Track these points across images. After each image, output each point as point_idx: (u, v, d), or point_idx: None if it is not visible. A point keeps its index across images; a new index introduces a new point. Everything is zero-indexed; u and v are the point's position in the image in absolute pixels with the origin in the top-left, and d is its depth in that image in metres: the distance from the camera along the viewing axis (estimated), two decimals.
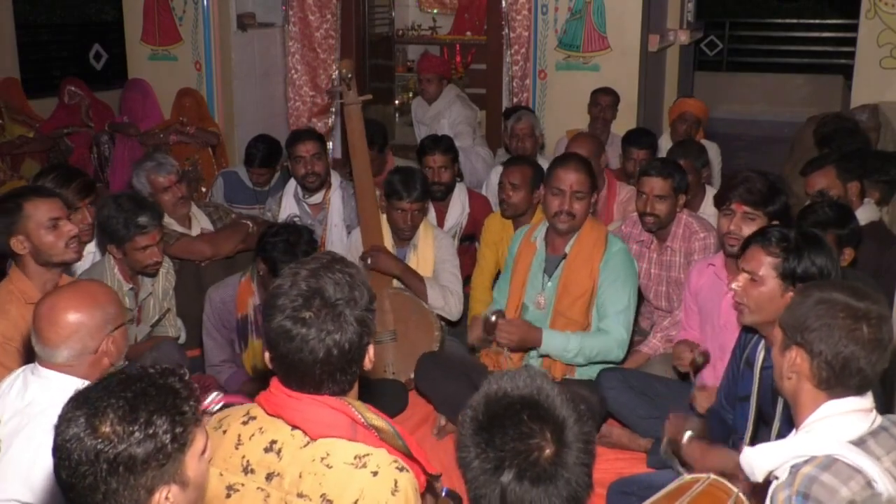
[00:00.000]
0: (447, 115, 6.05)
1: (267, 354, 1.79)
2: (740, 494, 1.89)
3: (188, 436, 1.43)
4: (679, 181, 3.78)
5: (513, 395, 1.43)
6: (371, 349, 1.81)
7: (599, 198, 4.64)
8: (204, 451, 1.49)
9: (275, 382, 1.81)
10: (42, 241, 2.87)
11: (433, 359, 3.68)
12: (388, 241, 4.10)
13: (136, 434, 1.37)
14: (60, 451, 1.38)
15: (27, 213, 2.87)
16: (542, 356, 3.44)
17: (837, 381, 1.75)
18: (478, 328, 3.44)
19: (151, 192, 4.16)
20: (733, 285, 2.55)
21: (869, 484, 1.64)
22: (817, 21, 13.23)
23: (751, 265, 2.49)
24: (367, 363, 1.81)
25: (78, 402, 1.41)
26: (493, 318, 3.32)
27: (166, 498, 1.42)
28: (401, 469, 1.72)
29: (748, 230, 3.03)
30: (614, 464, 3.31)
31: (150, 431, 1.38)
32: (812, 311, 1.78)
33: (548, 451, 1.38)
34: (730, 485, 1.91)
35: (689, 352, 3.16)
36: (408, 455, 1.80)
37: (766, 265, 2.46)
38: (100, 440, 1.36)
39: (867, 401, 1.78)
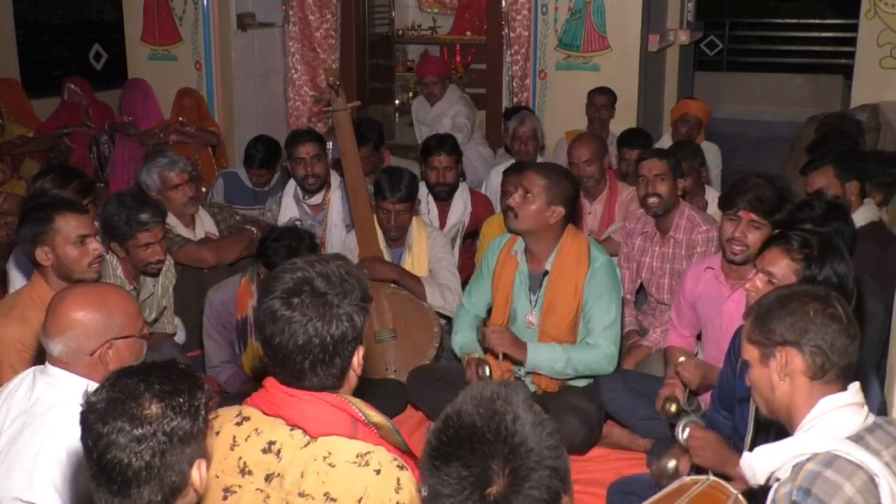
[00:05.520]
0: (450, 114, 6.04)
1: (260, 346, 1.80)
2: (739, 496, 1.89)
3: (211, 411, 1.51)
4: (675, 164, 3.81)
5: (466, 423, 1.33)
6: (360, 352, 1.81)
7: (601, 199, 4.65)
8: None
9: (270, 381, 1.81)
10: (67, 256, 2.86)
11: (425, 372, 3.67)
12: (382, 243, 4.09)
13: (185, 406, 1.44)
14: (104, 437, 1.40)
15: (57, 227, 2.86)
16: (529, 372, 3.40)
17: (831, 364, 1.77)
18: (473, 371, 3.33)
19: (161, 189, 4.14)
20: (747, 286, 2.54)
21: (871, 479, 1.65)
22: (817, 21, 13.24)
23: (770, 267, 2.48)
24: (356, 366, 1.81)
25: (111, 391, 1.44)
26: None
27: (201, 470, 1.48)
28: (401, 467, 1.74)
29: (753, 238, 3.06)
30: (614, 464, 3.31)
31: (195, 404, 1.46)
32: (782, 309, 1.81)
33: (494, 489, 1.28)
34: (729, 486, 1.92)
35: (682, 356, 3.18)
36: (406, 451, 1.82)
37: (787, 269, 2.45)
38: (153, 419, 1.41)
39: (858, 395, 1.80)
